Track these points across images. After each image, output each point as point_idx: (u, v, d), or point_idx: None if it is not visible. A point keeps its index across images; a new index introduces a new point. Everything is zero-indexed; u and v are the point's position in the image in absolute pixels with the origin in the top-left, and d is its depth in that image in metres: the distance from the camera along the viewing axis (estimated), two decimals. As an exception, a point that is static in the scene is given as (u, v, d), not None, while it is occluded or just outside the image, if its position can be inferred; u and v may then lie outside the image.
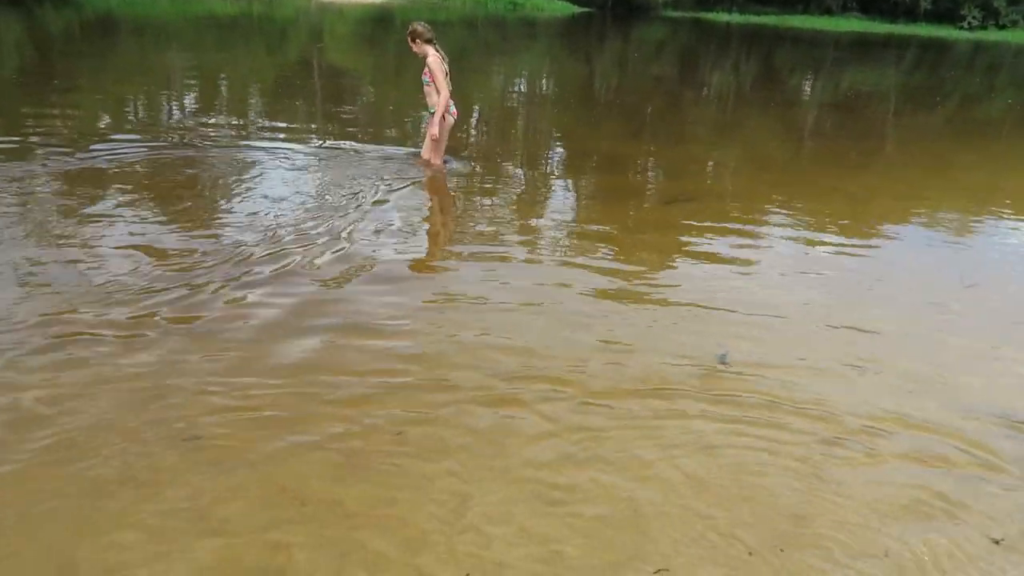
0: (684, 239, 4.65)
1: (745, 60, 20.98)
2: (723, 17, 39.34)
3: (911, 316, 3.68)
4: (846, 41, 29.31)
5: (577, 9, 35.83)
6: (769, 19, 39.18)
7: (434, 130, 5.38)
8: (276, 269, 3.61)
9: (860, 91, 15.09)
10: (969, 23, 40.76)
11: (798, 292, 3.88)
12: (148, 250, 3.74)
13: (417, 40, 5.32)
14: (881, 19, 41.45)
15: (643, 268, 4.09)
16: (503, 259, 4.06)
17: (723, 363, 3.00)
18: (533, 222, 4.83)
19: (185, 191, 4.85)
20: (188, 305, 3.18)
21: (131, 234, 3.98)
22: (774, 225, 5.08)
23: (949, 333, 3.51)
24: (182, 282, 3.39)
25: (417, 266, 3.92)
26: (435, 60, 5.28)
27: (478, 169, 6.03)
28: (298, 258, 3.78)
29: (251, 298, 3.31)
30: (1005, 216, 5.84)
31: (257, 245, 3.89)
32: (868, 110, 12.31)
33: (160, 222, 4.22)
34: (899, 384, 2.95)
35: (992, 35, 38.78)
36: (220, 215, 4.45)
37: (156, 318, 3.03)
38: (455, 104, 5.59)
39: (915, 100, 14.22)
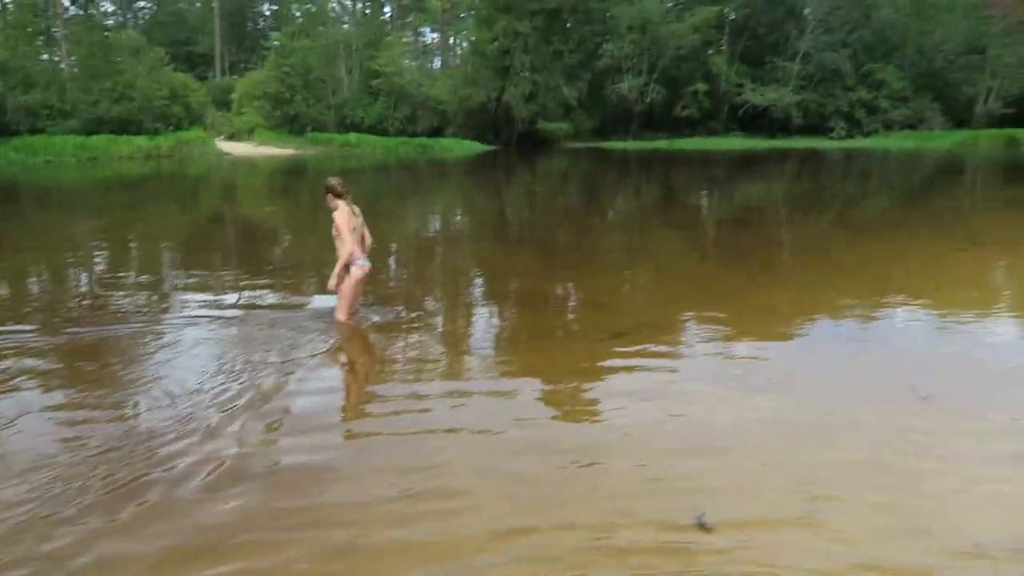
0: (614, 375, 4.58)
1: (646, 183, 22.34)
2: (619, 145, 42.14)
3: (873, 442, 3.59)
4: (734, 158, 31.82)
5: (483, 147, 37.66)
6: (661, 143, 42.26)
7: (332, 282, 5.34)
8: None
9: (753, 204, 16.19)
10: (837, 134, 45.27)
11: (747, 423, 3.75)
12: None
13: (329, 194, 5.39)
14: (761, 136, 45.46)
15: (579, 419, 4.01)
16: (428, 432, 3.66)
17: (702, 525, 2.76)
18: (456, 379, 4.61)
19: (81, 373, 4.49)
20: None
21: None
22: (703, 353, 5.05)
23: (917, 457, 3.39)
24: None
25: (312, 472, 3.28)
26: (341, 214, 5.30)
27: (397, 317, 5.89)
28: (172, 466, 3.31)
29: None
30: (936, 315, 6.18)
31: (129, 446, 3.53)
32: (764, 221, 13.16)
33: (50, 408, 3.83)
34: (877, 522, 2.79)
35: (858, 143, 43.06)
36: (117, 401, 4.00)
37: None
38: (369, 257, 5.56)
39: (803, 208, 15.32)
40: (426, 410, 3.96)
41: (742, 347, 5.12)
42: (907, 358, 4.94)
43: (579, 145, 41.05)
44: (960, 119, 46.84)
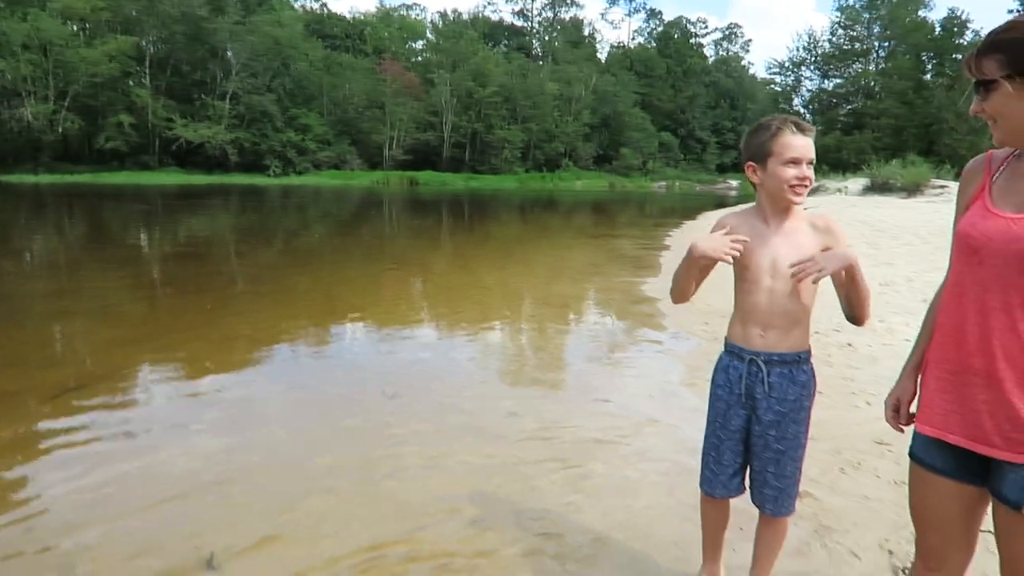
0: (66, 437, 3.86)
1: (74, 220, 19.50)
2: (30, 179, 35.80)
3: (362, 442, 3.80)
4: (172, 193, 30.38)
5: None
6: (84, 177, 37.53)
7: None
8: None
9: (200, 238, 15.76)
10: (273, 171, 47.64)
11: (224, 454, 3.55)
12: None
13: None
14: (199, 172, 44.57)
15: (33, 492, 3.22)
16: None
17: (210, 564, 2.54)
18: None
19: None
20: None
21: None
22: (165, 396, 4.70)
23: (399, 446, 3.71)
24: None
25: None
26: None
27: None
28: None
29: None
30: (382, 326, 6.85)
31: None
32: (213, 254, 12.93)
33: None
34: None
35: (293, 180, 46.19)
36: None
37: None
38: None
39: (251, 240, 15.63)
40: None
41: (209, 381, 4.91)
42: (370, 366, 5.50)
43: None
44: (374, 161, 54.71)
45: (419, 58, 67.02)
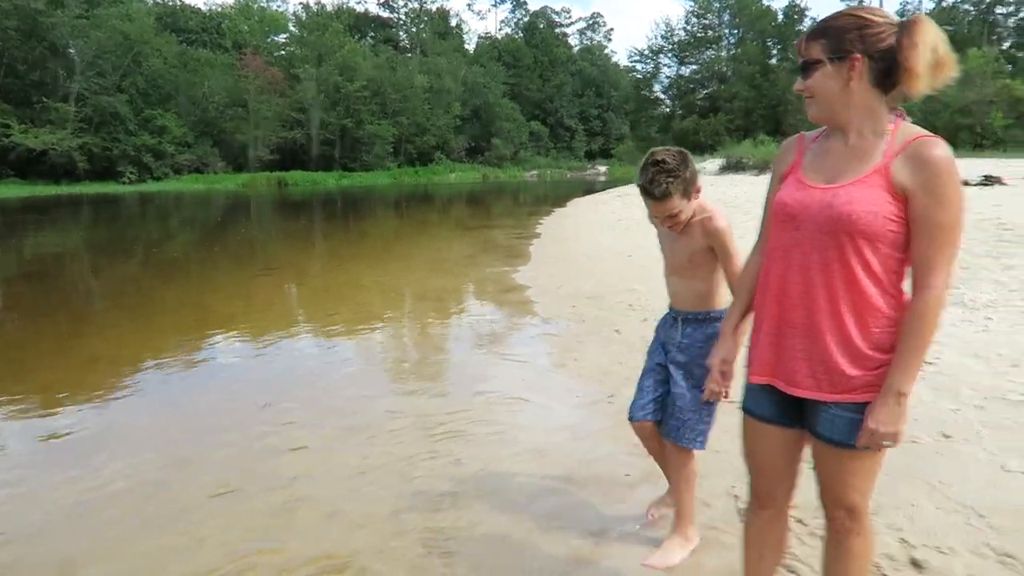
0: None
1: None
2: None
3: (241, 455, 3.79)
4: (14, 207, 27.74)
5: None
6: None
7: None
8: None
9: (51, 255, 14.57)
10: (128, 178, 44.42)
11: (100, 489, 3.45)
12: None
13: None
14: (44, 182, 40.89)
15: None
16: None
17: None
18: None
19: None
20: None
21: None
22: (20, 433, 4.46)
23: (277, 454, 3.74)
24: None
25: None
26: None
27: None
28: None
29: None
30: (255, 334, 6.68)
31: None
32: (68, 271, 12.03)
33: None
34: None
35: (151, 186, 43.26)
36: None
37: None
38: None
39: (110, 253, 14.64)
40: None
41: (67, 413, 4.67)
42: (243, 377, 5.40)
43: None
44: (239, 163, 52.19)
45: (282, 52, 64.41)
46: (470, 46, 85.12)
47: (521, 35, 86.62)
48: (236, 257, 13.48)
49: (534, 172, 65.40)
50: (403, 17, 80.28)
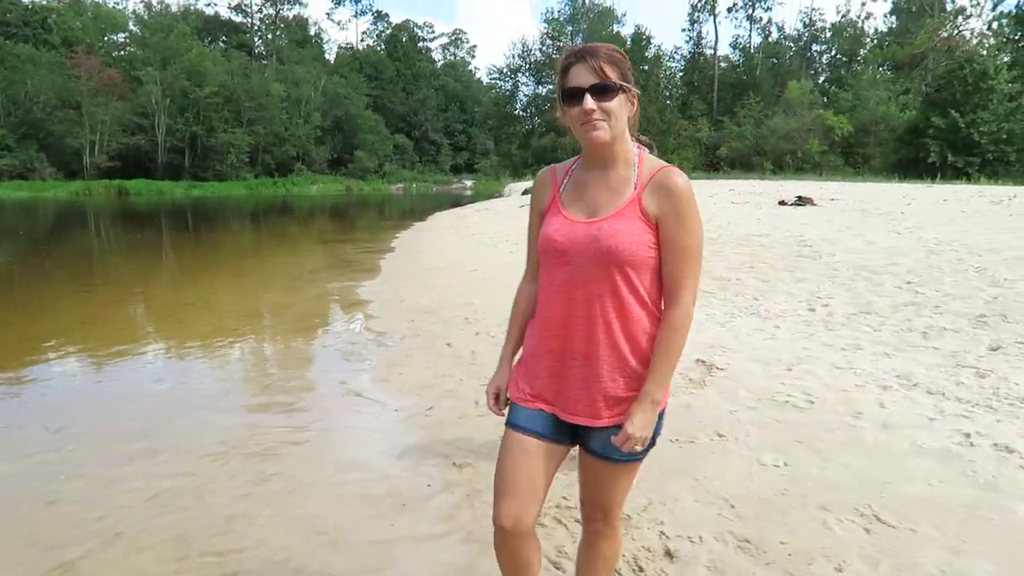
0: None
1: None
2: None
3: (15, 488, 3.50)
4: None
5: None
6: None
7: None
8: None
9: None
10: (-66, 184, 39.53)
11: None
12: None
13: None
14: None
15: None
16: None
17: None
18: None
19: None
20: None
21: None
22: None
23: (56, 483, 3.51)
24: None
25: None
26: None
27: None
28: None
29: None
30: (64, 352, 6.12)
31: None
32: None
33: None
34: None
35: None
36: None
37: None
38: None
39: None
40: None
41: None
42: (34, 401, 5.00)
43: None
44: (72, 169, 47.93)
45: (122, 52, 59.96)
46: (330, 56, 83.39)
47: (383, 48, 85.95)
48: (62, 270, 12.36)
49: (399, 185, 64.94)
50: (257, 23, 77.34)
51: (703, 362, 5.13)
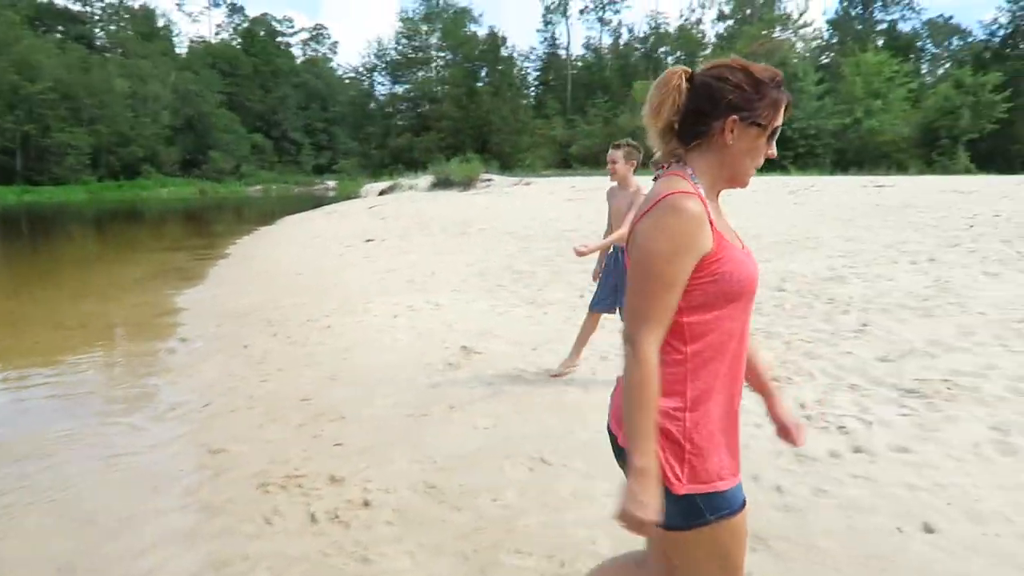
0: None
1: None
2: None
3: None
4: None
5: None
6: None
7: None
8: None
9: None
10: None
11: None
12: None
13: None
14: None
15: None
16: None
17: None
18: None
19: None
20: None
21: None
22: None
23: None
24: None
25: None
26: None
27: None
28: None
29: None
30: None
31: None
32: None
33: None
34: None
35: None
36: None
37: None
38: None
39: None
40: None
41: None
42: None
43: None
44: None
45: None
46: (181, 50, 79.11)
47: (239, 42, 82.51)
48: None
49: (258, 187, 62.76)
50: (98, 13, 72.05)
51: (466, 348, 5.85)
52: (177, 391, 5.39)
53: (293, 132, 77.02)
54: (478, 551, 2.93)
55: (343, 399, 4.84)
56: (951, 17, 67.46)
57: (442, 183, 30.60)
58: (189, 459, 4.07)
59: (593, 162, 43.44)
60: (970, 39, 57.83)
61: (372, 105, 63.70)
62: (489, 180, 30.24)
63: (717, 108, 1.50)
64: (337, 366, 5.65)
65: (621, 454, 1.57)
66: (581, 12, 70.80)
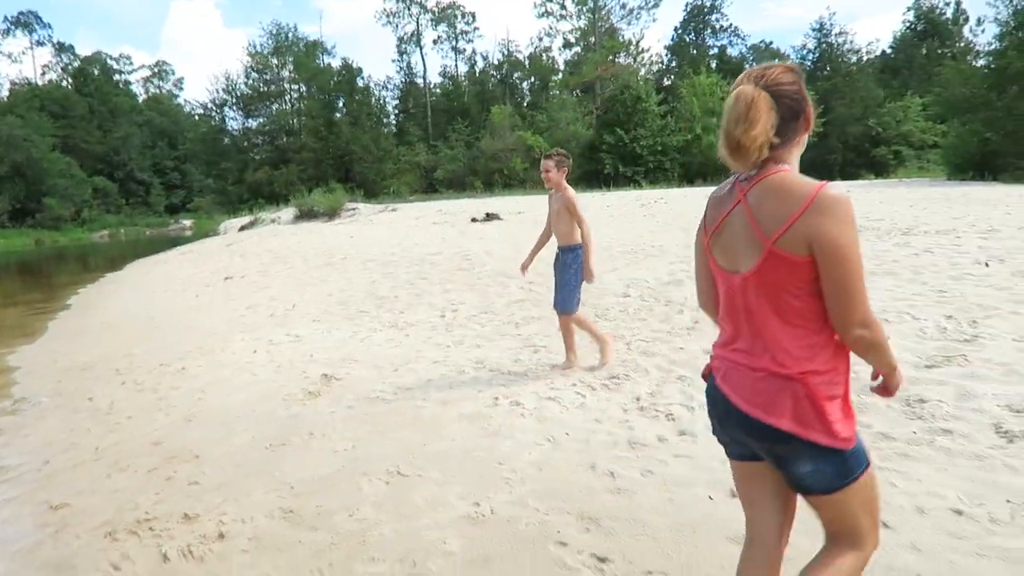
0: None
1: None
2: None
3: None
4: None
5: None
6: None
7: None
8: None
9: None
10: None
11: None
12: None
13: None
14: None
15: None
16: None
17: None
18: None
19: None
20: None
21: None
22: None
23: None
24: None
25: None
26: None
27: None
28: None
29: None
30: None
31: None
32: None
33: None
34: None
35: None
36: None
37: None
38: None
39: None
40: None
41: None
42: None
43: None
44: None
45: None
46: (2, 93, 72.46)
47: (70, 83, 76.72)
48: None
49: (104, 232, 58.34)
50: (-101, 54, 64.61)
51: (326, 375, 5.87)
52: (9, 453, 5.06)
53: (140, 172, 72.28)
54: (333, 565, 3.03)
55: (198, 439, 4.74)
56: (771, 42, 74.01)
57: (306, 214, 29.89)
58: (25, 521, 3.86)
59: (459, 185, 44.05)
60: (787, 62, 64.09)
61: (226, 140, 61.00)
62: (354, 209, 29.91)
63: (797, 113, 1.79)
64: (192, 408, 5.50)
65: (778, 439, 1.74)
66: (434, 43, 71.95)
